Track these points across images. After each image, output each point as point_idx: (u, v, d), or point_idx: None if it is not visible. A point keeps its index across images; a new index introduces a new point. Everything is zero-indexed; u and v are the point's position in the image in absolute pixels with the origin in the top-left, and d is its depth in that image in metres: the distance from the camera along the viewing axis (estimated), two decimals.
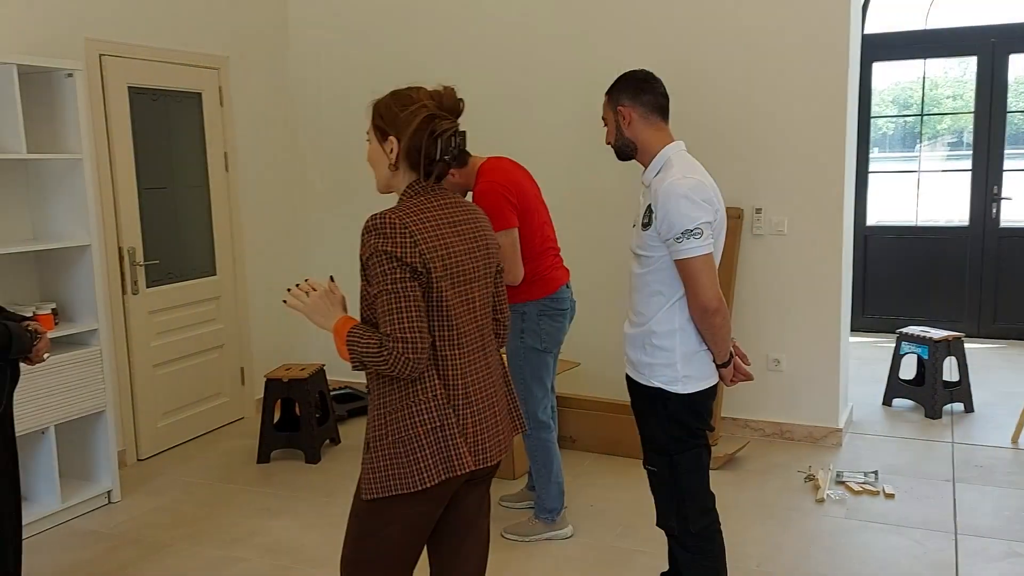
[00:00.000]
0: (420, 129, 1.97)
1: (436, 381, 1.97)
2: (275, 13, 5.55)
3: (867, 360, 6.28)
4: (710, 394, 2.53)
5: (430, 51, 5.23)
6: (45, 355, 2.87)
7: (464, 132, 2.05)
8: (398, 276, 1.90)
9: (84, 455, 4.07)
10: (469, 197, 3.49)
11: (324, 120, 5.64)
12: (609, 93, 2.59)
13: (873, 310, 7.22)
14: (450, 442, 1.96)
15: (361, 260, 1.95)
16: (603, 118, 2.63)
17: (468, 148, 2.12)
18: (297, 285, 2.09)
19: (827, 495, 3.92)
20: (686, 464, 2.50)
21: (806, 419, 4.64)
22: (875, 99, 7.14)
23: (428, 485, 1.93)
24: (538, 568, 3.35)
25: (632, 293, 2.57)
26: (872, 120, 7.11)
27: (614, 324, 4.82)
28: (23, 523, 3.45)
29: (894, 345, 5.36)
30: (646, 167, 2.54)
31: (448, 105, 2.02)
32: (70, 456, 4.06)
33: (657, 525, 2.62)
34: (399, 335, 1.87)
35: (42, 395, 3.69)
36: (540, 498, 3.60)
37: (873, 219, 7.22)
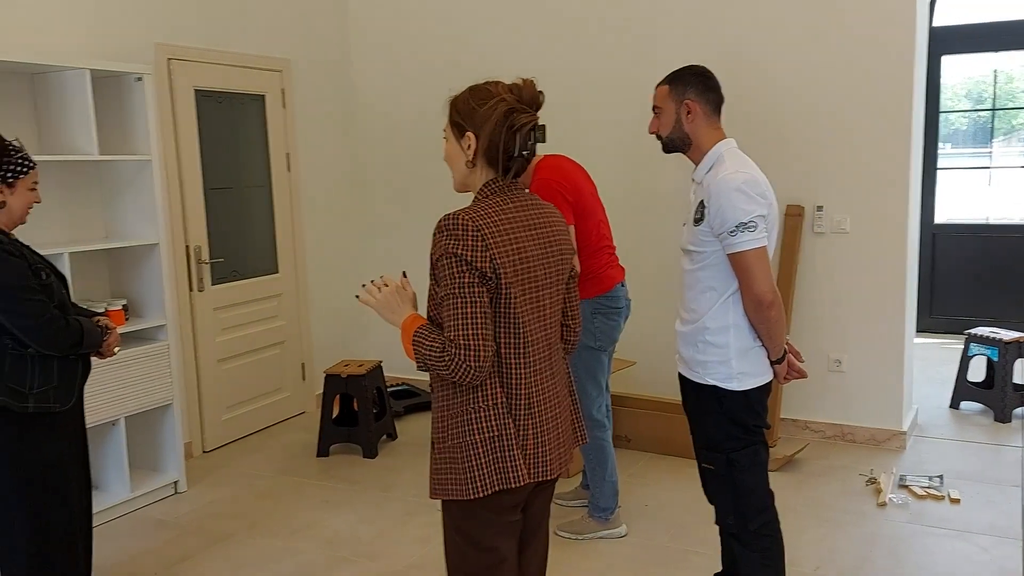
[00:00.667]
0: (499, 124, 1.91)
1: (498, 389, 1.92)
2: (336, 16, 5.65)
3: (934, 362, 6.11)
4: (765, 391, 2.51)
5: (487, 52, 5.26)
6: (116, 349, 2.98)
7: (543, 126, 1.99)
8: (466, 280, 1.84)
9: (152, 446, 4.21)
10: None
11: (383, 121, 5.72)
12: (671, 83, 2.54)
13: (941, 310, 7.01)
14: (506, 453, 1.91)
15: (431, 260, 1.91)
16: (656, 107, 2.57)
17: None
18: (372, 281, 2.06)
19: (889, 499, 3.83)
20: (743, 461, 2.48)
21: (868, 421, 4.53)
22: (946, 93, 6.94)
23: (480, 495, 1.90)
24: (591, 567, 3.35)
25: (684, 290, 2.55)
26: (942, 115, 6.91)
27: (670, 323, 4.78)
28: (94, 511, 3.60)
29: (962, 346, 5.20)
30: (696, 163, 2.52)
31: (527, 98, 1.95)
32: (139, 447, 4.20)
33: (716, 523, 2.61)
34: (462, 341, 1.83)
35: (113, 388, 3.83)
36: (594, 497, 3.60)
37: (942, 217, 7.01)
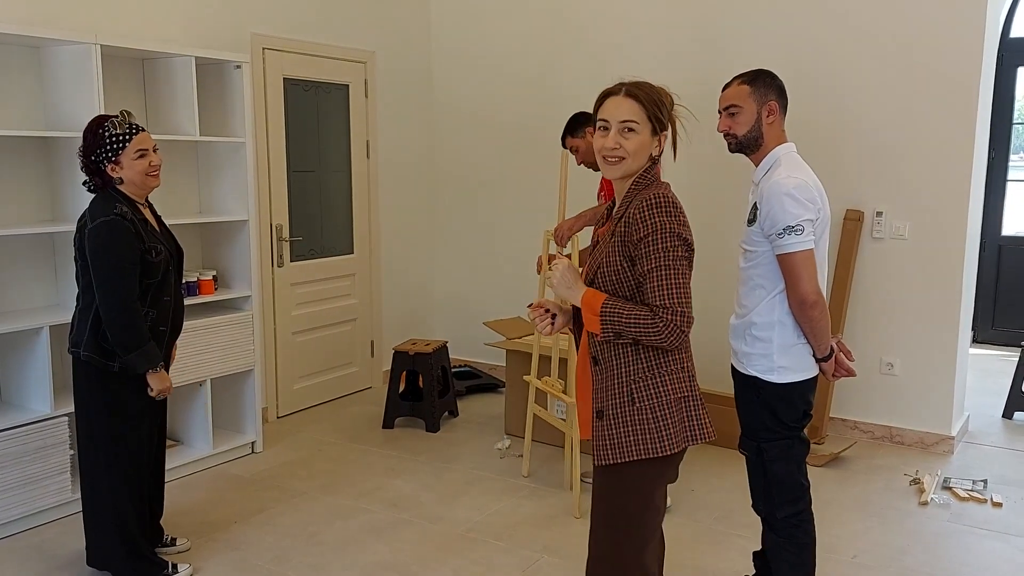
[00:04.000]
0: (675, 126, 2.14)
1: (684, 354, 2.12)
2: (419, 11, 5.91)
3: (993, 373, 6.12)
4: (807, 387, 2.63)
5: (568, 51, 5.45)
6: (154, 390, 3.00)
7: None
8: (679, 253, 2.01)
9: (233, 408, 4.54)
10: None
11: (459, 113, 5.97)
12: (752, 83, 2.62)
13: (1004, 323, 6.97)
14: (694, 412, 2.11)
15: (634, 235, 2.02)
16: (735, 105, 2.62)
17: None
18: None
19: (931, 499, 3.93)
20: (773, 452, 2.63)
21: (917, 424, 4.62)
22: None
23: (673, 451, 2.07)
24: None
25: (738, 286, 2.71)
26: (1016, 127, 6.86)
27: (722, 319, 4.93)
28: (179, 464, 3.93)
29: (1018, 357, 5.22)
30: (757, 165, 2.67)
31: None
32: (221, 408, 4.53)
33: (751, 507, 2.77)
34: (678, 308, 1.98)
35: (202, 351, 4.15)
36: None
37: (1011, 229, 6.97)
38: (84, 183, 3.00)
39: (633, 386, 2.08)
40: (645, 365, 2.08)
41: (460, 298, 6.15)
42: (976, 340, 6.87)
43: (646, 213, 2.01)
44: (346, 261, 5.56)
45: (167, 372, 3.05)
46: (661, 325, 1.98)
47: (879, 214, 4.59)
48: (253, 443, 4.53)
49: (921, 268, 4.52)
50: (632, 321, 2.00)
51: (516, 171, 5.74)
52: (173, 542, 3.41)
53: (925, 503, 3.90)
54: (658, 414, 2.06)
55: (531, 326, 5.09)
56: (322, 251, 5.40)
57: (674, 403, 2.08)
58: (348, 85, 5.44)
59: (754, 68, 2.73)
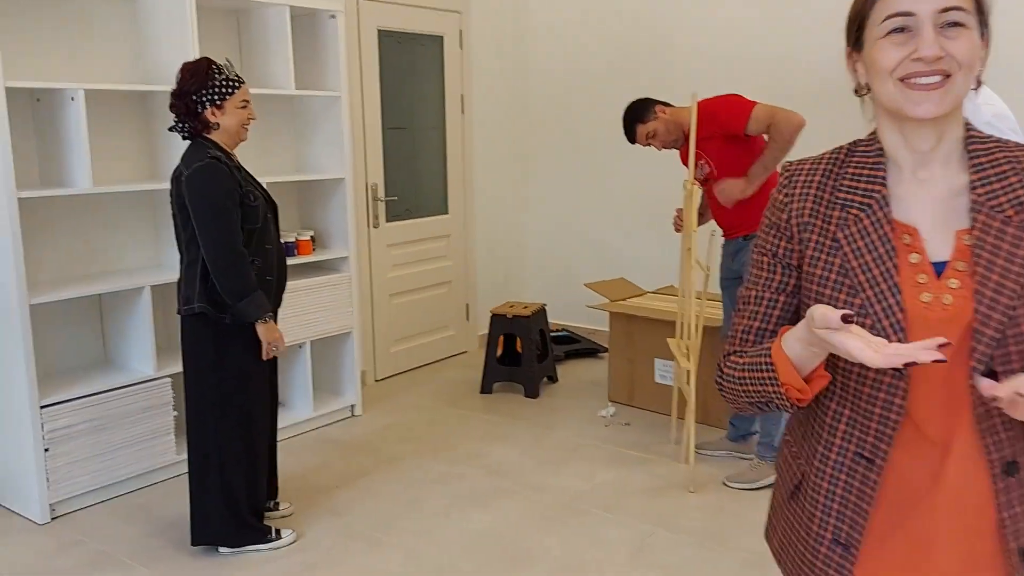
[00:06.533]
0: None
1: None
2: None
3: None
4: None
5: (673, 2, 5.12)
6: (270, 349, 2.93)
7: None
8: None
9: (332, 371, 4.45)
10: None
11: (556, 67, 5.70)
12: None
13: None
14: None
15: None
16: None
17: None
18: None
19: None
20: None
21: None
22: None
23: None
24: (763, 513, 3.29)
25: None
26: None
27: None
28: (281, 426, 3.84)
29: None
30: None
31: None
32: (321, 371, 4.45)
33: None
34: None
35: (301, 314, 4.06)
36: (768, 435, 3.52)
37: None
38: (174, 127, 2.89)
39: None
40: None
41: (555, 260, 5.93)
42: None
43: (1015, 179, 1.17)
44: (441, 222, 5.40)
45: (276, 324, 2.94)
46: None
47: None
48: (352, 406, 4.44)
49: None
50: None
51: (616, 126, 5.44)
52: (276, 506, 3.34)
53: None
54: None
55: (635, 288, 4.83)
56: (417, 212, 5.25)
57: None
58: (442, 37, 5.24)
59: None
